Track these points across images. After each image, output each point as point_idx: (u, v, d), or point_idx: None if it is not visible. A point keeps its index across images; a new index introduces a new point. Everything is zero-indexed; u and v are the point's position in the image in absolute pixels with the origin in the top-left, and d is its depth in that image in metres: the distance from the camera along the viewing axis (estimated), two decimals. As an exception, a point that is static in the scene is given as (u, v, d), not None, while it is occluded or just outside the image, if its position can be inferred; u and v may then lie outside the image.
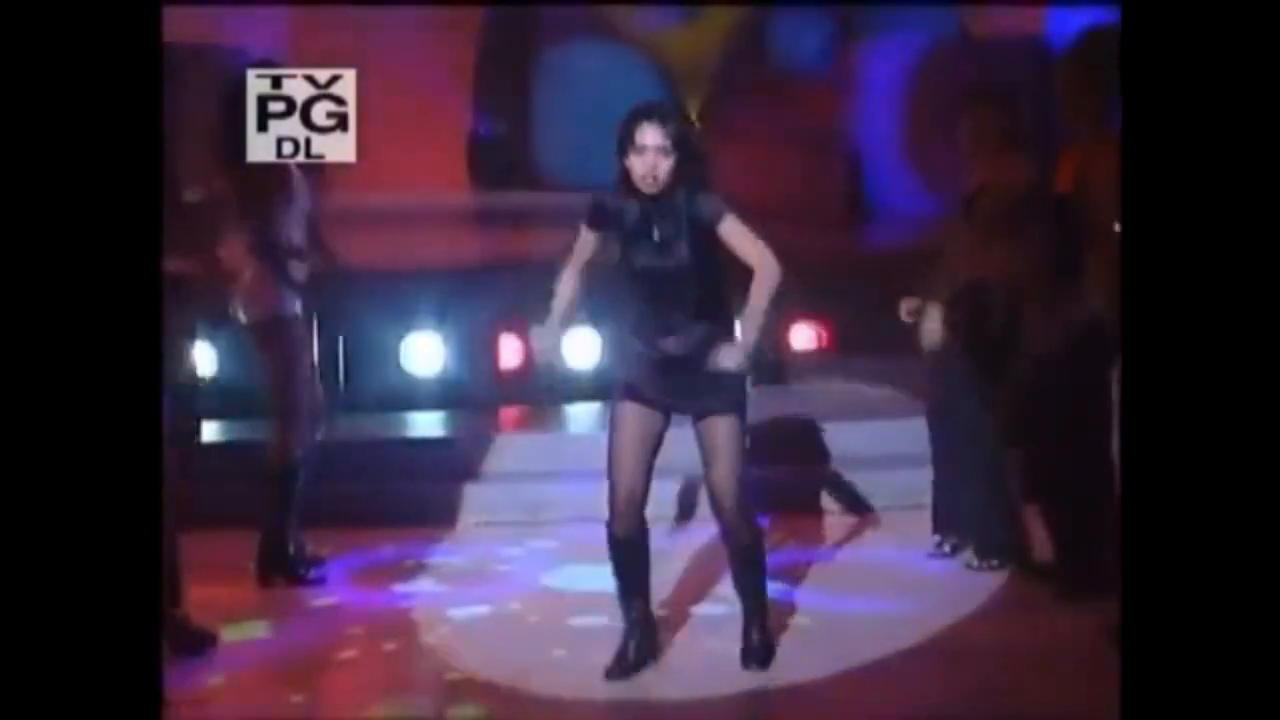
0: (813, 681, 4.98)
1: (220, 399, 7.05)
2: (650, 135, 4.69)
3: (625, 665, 4.96)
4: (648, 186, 4.72)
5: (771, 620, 5.14)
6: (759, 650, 5.03)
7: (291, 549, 6.10)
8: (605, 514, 4.91)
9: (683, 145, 4.71)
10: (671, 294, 4.81)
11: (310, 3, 11.89)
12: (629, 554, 4.94)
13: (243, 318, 6.08)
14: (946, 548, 6.38)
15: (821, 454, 7.35)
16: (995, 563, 6.21)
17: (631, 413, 4.88)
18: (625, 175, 4.75)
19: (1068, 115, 5.96)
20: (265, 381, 6.10)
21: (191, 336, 5.71)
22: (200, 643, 5.25)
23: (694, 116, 13.87)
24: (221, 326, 6.42)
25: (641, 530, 4.92)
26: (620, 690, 4.91)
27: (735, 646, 5.06)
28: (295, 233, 6.06)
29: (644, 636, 5.02)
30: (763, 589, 5.08)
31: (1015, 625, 5.58)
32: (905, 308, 6.17)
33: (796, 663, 5.14)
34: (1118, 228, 4.37)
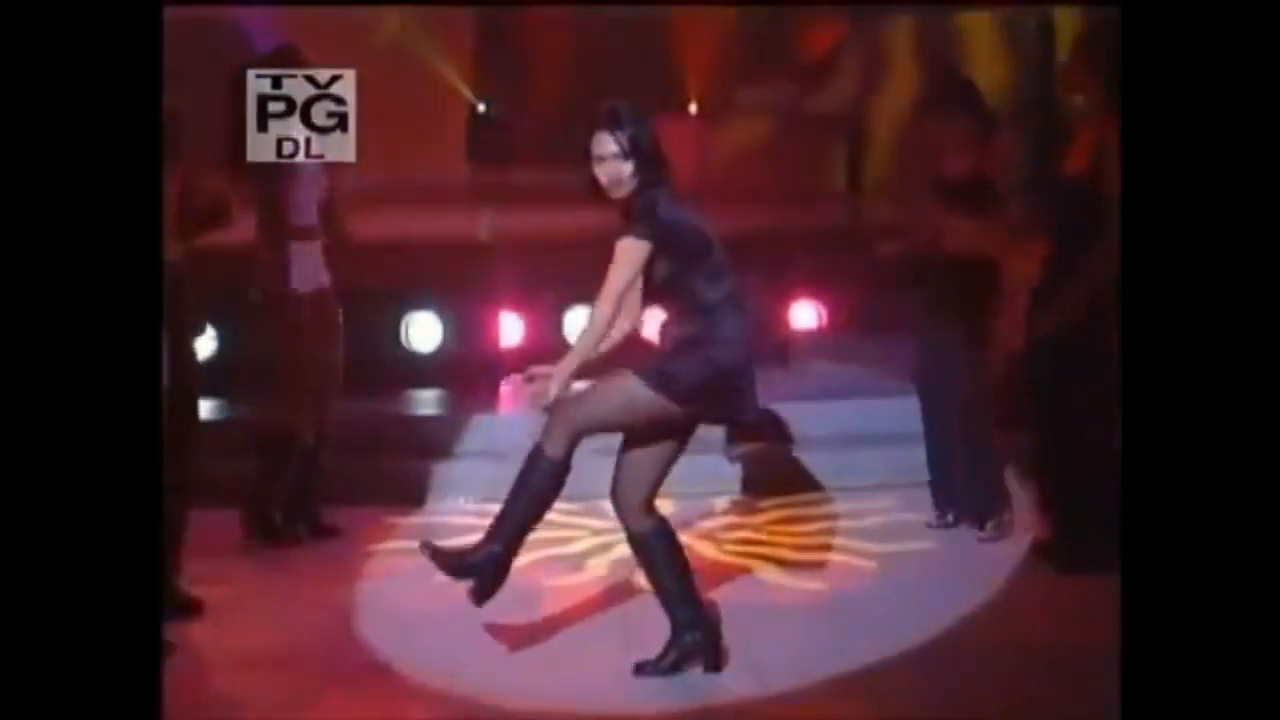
0: (812, 668, 4.96)
1: (224, 377, 7.05)
2: (604, 144, 4.73)
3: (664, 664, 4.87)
4: (615, 193, 4.75)
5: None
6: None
7: (278, 517, 6.27)
8: (607, 491, 4.90)
9: (638, 148, 4.71)
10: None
11: (310, 3, 11.94)
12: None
13: (255, 295, 6.19)
14: (950, 517, 6.46)
15: (821, 432, 7.37)
16: (988, 531, 6.30)
17: None
18: (595, 186, 4.79)
19: (1071, 98, 5.99)
20: (272, 357, 6.21)
21: (197, 315, 5.77)
22: (185, 610, 5.33)
23: (692, 97, 13.92)
24: (233, 304, 6.46)
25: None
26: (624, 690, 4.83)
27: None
28: (307, 212, 6.16)
29: (689, 633, 4.87)
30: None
31: (1016, 605, 5.61)
32: None
33: (795, 647, 5.17)
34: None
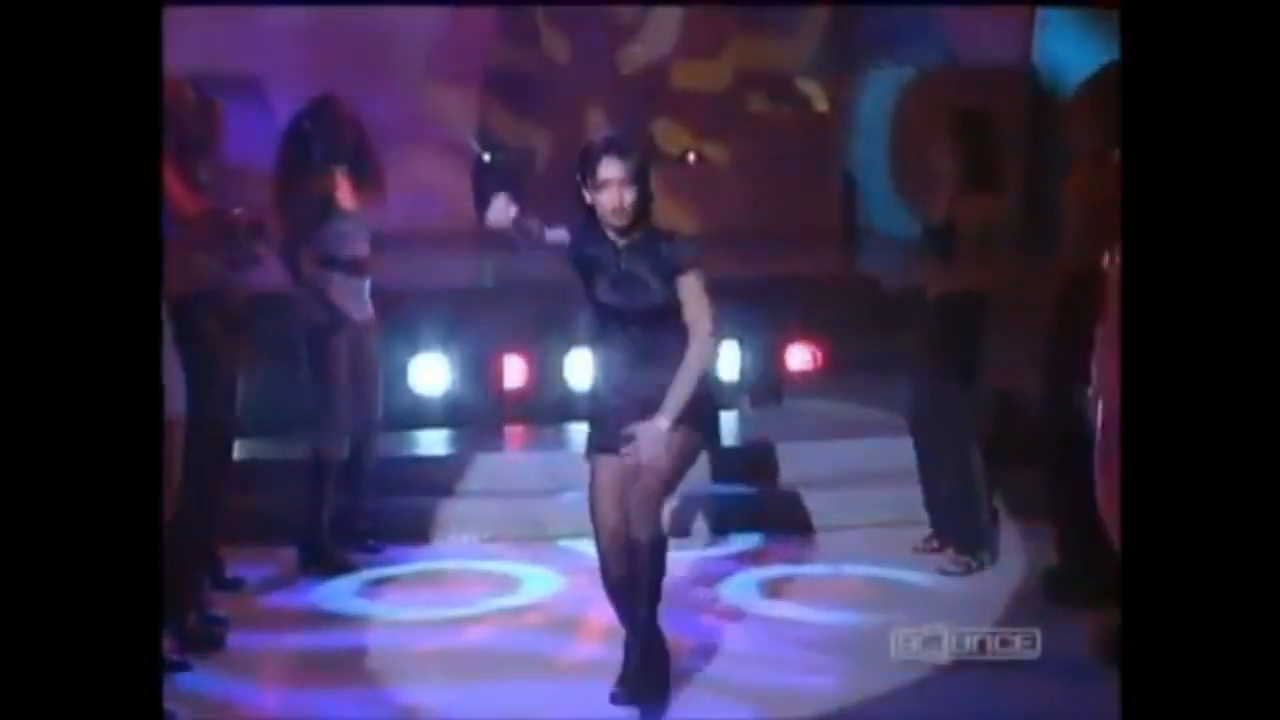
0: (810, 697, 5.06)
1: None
2: (612, 169, 4.75)
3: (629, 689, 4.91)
4: (617, 219, 4.79)
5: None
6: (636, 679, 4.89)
7: (328, 546, 6.51)
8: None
9: (641, 178, 4.77)
10: (637, 333, 4.86)
11: (311, 4, 11.90)
12: (626, 592, 4.92)
13: (299, 328, 6.42)
14: (935, 543, 6.56)
15: (816, 472, 7.50)
16: (970, 565, 6.38)
17: (605, 464, 4.91)
18: (591, 212, 4.83)
19: (1071, 149, 6.00)
20: (317, 389, 6.43)
21: (245, 350, 6.00)
22: (205, 645, 5.47)
23: (691, 143, 14.12)
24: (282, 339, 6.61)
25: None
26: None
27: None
28: (350, 249, 6.41)
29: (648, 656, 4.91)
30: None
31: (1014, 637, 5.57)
32: None
33: (789, 679, 5.27)
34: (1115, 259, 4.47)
